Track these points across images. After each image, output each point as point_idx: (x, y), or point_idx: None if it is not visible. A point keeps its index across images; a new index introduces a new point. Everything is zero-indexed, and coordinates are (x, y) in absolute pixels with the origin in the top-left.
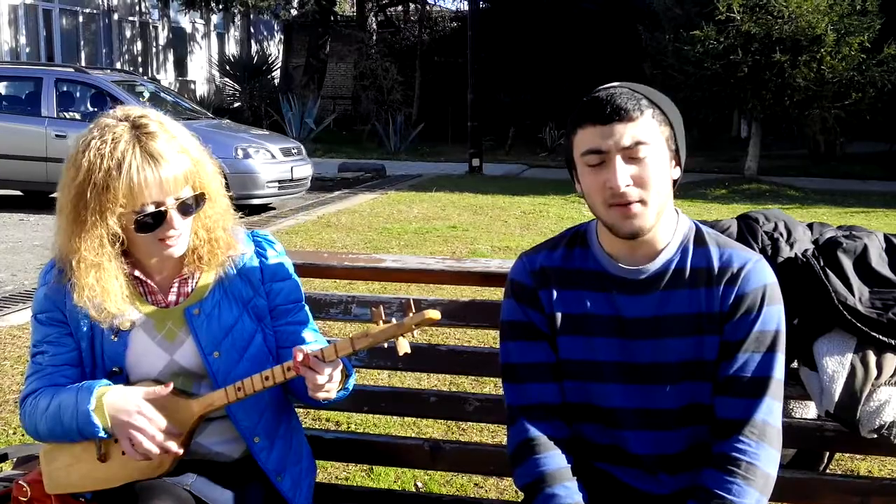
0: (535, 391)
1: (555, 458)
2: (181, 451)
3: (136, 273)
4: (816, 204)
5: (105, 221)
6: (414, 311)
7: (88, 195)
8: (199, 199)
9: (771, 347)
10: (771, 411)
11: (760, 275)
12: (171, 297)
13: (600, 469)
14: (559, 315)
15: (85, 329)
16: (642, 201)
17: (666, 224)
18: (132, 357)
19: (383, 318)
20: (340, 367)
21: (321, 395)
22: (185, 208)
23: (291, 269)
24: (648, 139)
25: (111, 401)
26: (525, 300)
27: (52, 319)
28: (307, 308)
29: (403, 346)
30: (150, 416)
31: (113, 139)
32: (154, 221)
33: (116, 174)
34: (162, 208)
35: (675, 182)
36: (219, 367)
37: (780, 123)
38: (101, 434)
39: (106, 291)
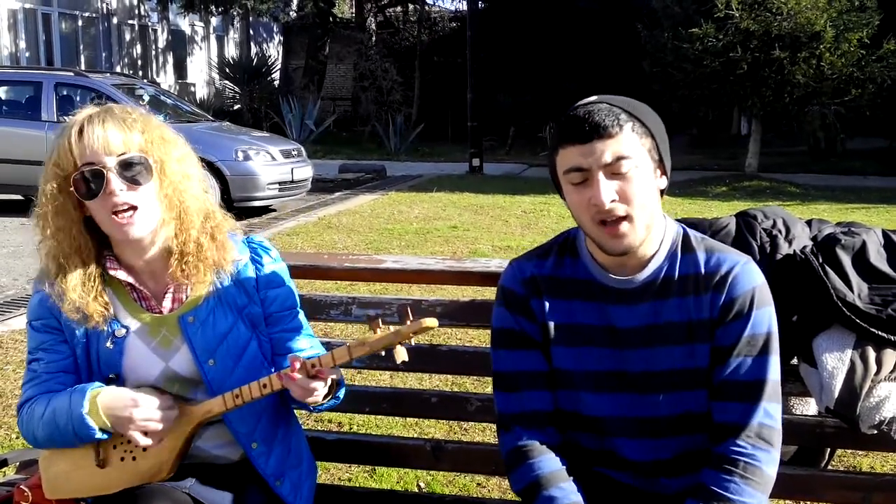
0: (527, 399)
1: (549, 461)
2: (166, 469)
3: (130, 280)
4: (816, 200)
5: (50, 189)
6: (412, 318)
7: (45, 167)
8: (145, 166)
9: (763, 350)
10: (768, 414)
11: (748, 278)
12: (166, 304)
13: (598, 472)
14: (551, 324)
15: (80, 336)
16: (629, 217)
17: (654, 232)
18: (128, 364)
19: (381, 325)
20: (335, 375)
21: (309, 400)
22: (129, 175)
23: (287, 276)
24: (630, 153)
25: (105, 401)
26: (516, 309)
27: (46, 326)
28: (302, 314)
29: (401, 355)
30: (145, 403)
31: (73, 119)
32: (93, 184)
33: (60, 140)
34: (98, 167)
35: (661, 191)
36: (214, 375)
37: (779, 120)
38: (98, 435)
39: (74, 273)
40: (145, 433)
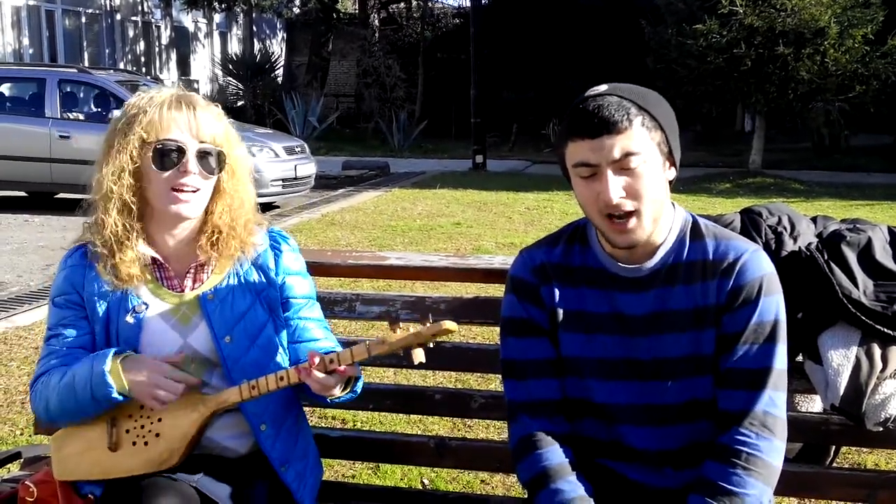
0: (536, 387)
1: (557, 453)
2: (176, 456)
3: (155, 255)
4: (821, 197)
5: (127, 147)
6: (431, 320)
7: (120, 126)
8: (220, 159)
9: (770, 338)
10: (773, 402)
11: (756, 265)
12: (188, 283)
13: (604, 465)
14: (560, 311)
15: (101, 312)
16: (637, 212)
17: (662, 221)
18: (146, 339)
19: (401, 326)
20: (353, 371)
21: (326, 393)
22: (206, 163)
23: (303, 266)
24: (639, 149)
25: (127, 365)
26: (526, 296)
27: (69, 302)
28: (318, 306)
29: (419, 356)
30: (161, 368)
31: (159, 94)
32: (172, 158)
33: (149, 108)
34: (182, 145)
35: (670, 182)
36: (230, 352)
37: (783, 117)
38: (115, 395)
39: (126, 232)
40: (161, 401)
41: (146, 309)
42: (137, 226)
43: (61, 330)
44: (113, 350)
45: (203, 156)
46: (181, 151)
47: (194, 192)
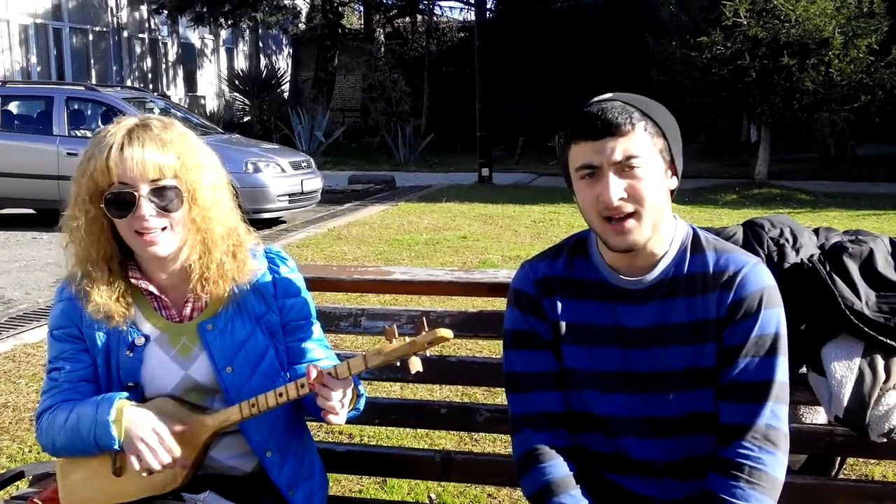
0: (539, 400)
1: (560, 467)
2: (180, 478)
3: (151, 288)
4: (827, 207)
5: (84, 193)
6: (427, 329)
7: (78, 175)
8: (177, 194)
9: (771, 351)
10: (775, 415)
11: (757, 278)
12: (186, 313)
13: (607, 479)
14: (563, 324)
15: (101, 344)
16: (636, 215)
17: (663, 233)
18: (147, 372)
19: (396, 335)
20: (353, 385)
21: (332, 418)
22: (163, 200)
23: (303, 286)
24: (641, 153)
25: (130, 415)
26: (528, 309)
27: (67, 335)
28: (318, 325)
29: (416, 365)
30: (163, 435)
31: (112, 132)
32: (123, 204)
33: (98, 154)
34: (131, 191)
35: (672, 192)
36: (231, 381)
37: (789, 127)
38: (117, 446)
39: (108, 298)
40: (142, 464)
41: (145, 342)
42: (113, 273)
43: (62, 363)
44: (118, 396)
45: (158, 194)
46: (131, 198)
47: (162, 230)
